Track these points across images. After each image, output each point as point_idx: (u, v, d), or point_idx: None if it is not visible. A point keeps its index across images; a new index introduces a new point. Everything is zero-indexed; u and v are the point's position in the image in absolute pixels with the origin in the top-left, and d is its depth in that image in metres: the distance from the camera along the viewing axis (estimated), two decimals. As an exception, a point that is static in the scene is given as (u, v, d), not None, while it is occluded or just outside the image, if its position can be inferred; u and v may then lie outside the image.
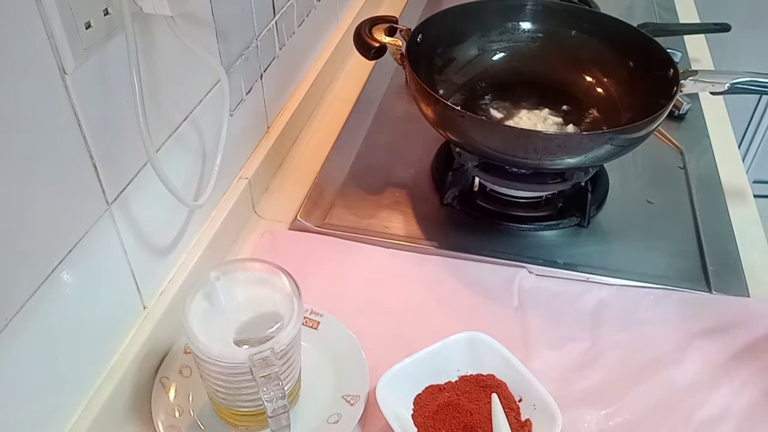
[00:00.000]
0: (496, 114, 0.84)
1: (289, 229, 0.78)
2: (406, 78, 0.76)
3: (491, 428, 0.54)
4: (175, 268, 0.66)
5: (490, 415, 0.55)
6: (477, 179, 0.79)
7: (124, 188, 0.55)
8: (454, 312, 0.68)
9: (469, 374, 0.60)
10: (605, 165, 0.83)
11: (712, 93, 0.75)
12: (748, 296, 0.70)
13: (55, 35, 0.44)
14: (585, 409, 0.60)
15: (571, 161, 0.69)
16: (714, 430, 0.59)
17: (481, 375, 0.60)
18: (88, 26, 0.46)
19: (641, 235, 0.77)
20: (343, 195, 0.82)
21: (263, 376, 0.48)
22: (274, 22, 0.81)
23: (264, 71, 0.81)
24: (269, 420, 0.50)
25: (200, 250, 0.68)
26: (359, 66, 1.05)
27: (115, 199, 0.54)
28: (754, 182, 1.91)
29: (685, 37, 1.11)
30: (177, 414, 0.57)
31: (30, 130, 0.44)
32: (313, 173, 0.86)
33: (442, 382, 0.60)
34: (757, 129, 1.87)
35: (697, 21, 1.22)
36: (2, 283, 0.43)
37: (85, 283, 0.51)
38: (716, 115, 0.96)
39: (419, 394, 0.59)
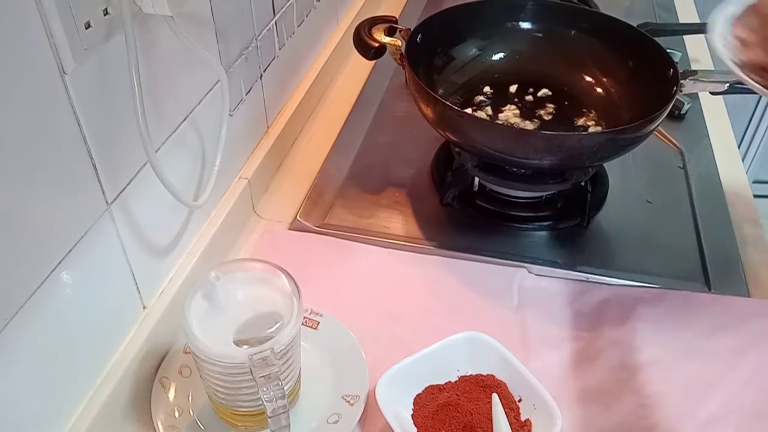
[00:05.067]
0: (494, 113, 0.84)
1: (289, 229, 0.78)
2: (406, 78, 0.76)
3: (491, 428, 0.54)
4: (174, 267, 0.66)
5: (490, 415, 0.55)
6: (477, 179, 0.79)
7: (124, 188, 0.55)
8: (454, 312, 0.68)
9: (469, 374, 0.60)
10: (605, 165, 0.83)
11: (712, 93, 0.75)
12: (748, 296, 0.70)
13: (55, 35, 0.44)
14: (585, 409, 0.60)
15: (570, 161, 0.69)
16: (714, 430, 0.59)
17: (481, 375, 0.60)
18: (87, 26, 0.46)
19: (641, 235, 0.77)
20: (342, 195, 0.82)
21: (263, 376, 0.48)
22: (273, 22, 0.81)
23: (264, 71, 0.81)
24: (269, 420, 0.50)
25: (200, 250, 0.68)
26: (359, 66, 1.05)
27: (115, 199, 0.54)
28: (754, 182, 1.91)
29: (685, 37, 1.11)
30: (177, 414, 0.57)
31: (30, 130, 0.44)
32: (312, 173, 0.86)
33: (442, 382, 0.60)
34: (757, 129, 1.87)
35: (697, 21, 1.22)
36: (2, 283, 0.43)
37: (84, 283, 0.51)
38: (716, 115, 0.96)
39: (419, 394, 0.59)
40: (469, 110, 0.83)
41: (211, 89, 0.67)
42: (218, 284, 0.52)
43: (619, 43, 0.83)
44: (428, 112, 0.73)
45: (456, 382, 0.60)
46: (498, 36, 0.88)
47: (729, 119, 0.96)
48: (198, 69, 0.64)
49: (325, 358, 0.62)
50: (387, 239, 0.76)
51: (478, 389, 0.59)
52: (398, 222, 0.79)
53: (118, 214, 0.55)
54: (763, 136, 1.88)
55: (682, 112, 0.94)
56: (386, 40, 0.78)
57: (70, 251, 0.49)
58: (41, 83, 0.44)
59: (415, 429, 0.56)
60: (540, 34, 0.88)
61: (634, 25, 0.83)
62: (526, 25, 0.88)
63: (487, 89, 0.87)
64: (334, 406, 0.58)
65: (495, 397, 0.55)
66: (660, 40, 0.78)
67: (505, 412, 0.55)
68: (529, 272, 0.72)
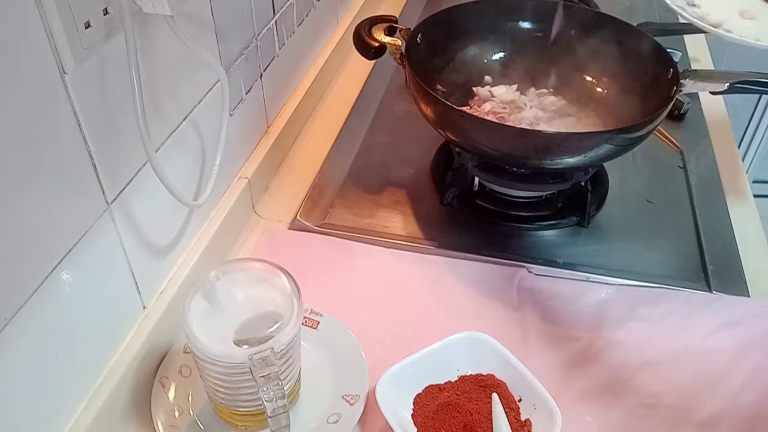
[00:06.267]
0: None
1: (289, 228, 0.78)
2: (406, 78, 0.76)
3: (491, 428, 0.54)
4: (174, 267, 0.66)
5: (490, 414, 0.55)
6: (477, 179, 0.79)
7: (124, 188, 0.55)
8: (454, 312, 0.68)
9: (469, 374, 0.60)
10: (605, 165, 0.83)
11: (712, 93, 0.75)
12: (748, 296, 0.70)
13: (55, 35, 0.44)
14: (585, 408, 0.60)
15: (571, 161, 0.69)
16: (714, 430, 0.59)
17: (481, 375, 0.60)
18: (87, 26, 0.46)
19: (641, 235, 0.77)
20: (342, 195, 0.82)
21: (263, 376, 0.48)
22: (273, 21, 0.81)
23: (264, 71, 0.81)
24: (269, 420, 0.50)
25: (200, 249, 0.68)
26: (359, 66, 1.05)
27: (115, 199, 0.54)
28: (754, 182, 1.91)
29: (685, 36, 1.11)
30: (177, 414, 0.57)
31: (29, 130, 0.44)
32: (312, 173, 0.86)
33: (442, 382, 0.60)
34: (756, 129, 1.87)
35: (697, 20, 1.21)
36: (2, 283, 0.43)
37: (84, 282, 0.51)
38: (716, 115, 0.96)
39: (419, 393, 0.59)
40: (466, 108, 0.83)
41: (211, 89, 0.67)
42: (218, 284, 0.52)
43: (619, 44, 0.83)
44: (428, 112, 0.73)
45: (456, 382, 0.60)
46: (498, 36, 0.88)
47: (729, 119, 0.96)
48: (198, 69, 0.64)
49: (325, 358, 0.62)
50: (387, 239, 0.76)
51: (478, 389, 0.59)
52: (398, 222, 0.79)
53: (118, 214, 0.55)
54: (763, 136, 1.88)
55: (682, 112, 0.94)
56: (386, 39, 0.78)
57: (70, 251, 0.49)
58: (41, 83, 0.44)
59: (415, 429, 0.56)
60: (540, 34, 0.88)
61: (634, 24, 0.83)
62: (526, 25, 0.88)
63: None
64: (334, 406, 0.58)
65: (495, 396, 0.55)
66: (660, 40, 0.78)
67: (505, 412, 0.55)
68: (529, 272, 0.72)
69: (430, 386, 0.59)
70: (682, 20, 0.67)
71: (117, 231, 0.55)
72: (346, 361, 0.62)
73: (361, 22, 0.81)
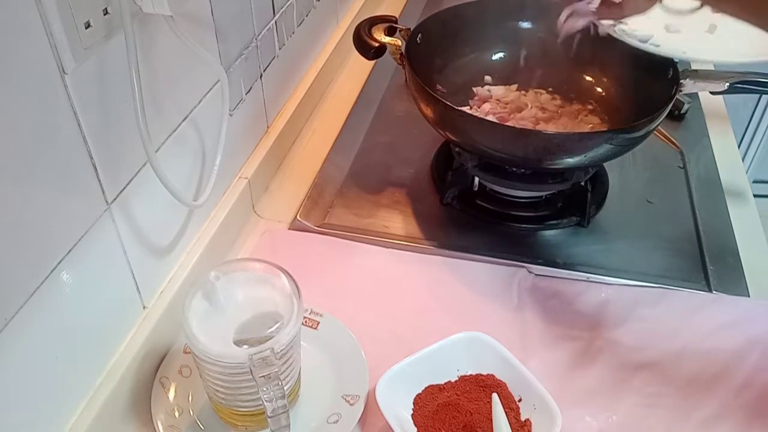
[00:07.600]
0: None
1: (289, 228, 0.78)
2: (406, 78, 0.76)
3: (491, 428, 0.54)
4: (174, 267, 0.66)
5: (490, 414, 0.55)
6: (477, 179, 0.79)
7: (124, 188, 0.55)
8: (454, 312, 0.68)
9: (468, 374, 0.60)
10: (605, 165, 0.83)
11: (712, 93, 0.75)
12: (748, 296, 0.70)
13: (55, 35, 0.44)
14: (585, 408, 0.60)
15: (571, 161, 0.69)
16: (713, 430, 0.59)
17: (481, 375, 0.60)
18: (87, 26, 0.46)
19: (641, 234, 0.77)
20: (342, 195, 0.82)
21: (263, 376, 0.48)
22: (273, 21, 0.81)
23: (264, 71, 0.81)
24: (269, 420, 0.50)
25: (200, 249, 0.68)
26: (359, 66, 1.05)
27: (115, 199, 0.54)
28: (754, 182, 1.91)
29: (685, 36, 1.11)
30: (177, 414, 0.57)
31: (29, 130, 0.44)
32: (312, 173, 0.86)
33: (442, 382, 0.60)
34: (757, 129, 1.87)
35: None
36: (2, 283, 0.43)
37: (84, 283, 0.51)
38: (716, 115, 0.96)
39: (419, 393, 0.59)
40: (466, 108, 0.83)
41: (211, 89, 0.67)
42: (218, 284, 0.52)
43: (618, 44, 0.82)
44: (428, 112, 0.73)
45: (456, 382, 0.60)
46: (498, 36, 0.88)
47: (729, 119, 0.96)
48: (198, 69, 0.64)
49: (325, 358, 0.62)
50: (387, 239, 0.76)
51: (478, 389, 0.59)
52: (398, 222, 0.79)
53: (118, 214, 0.55)
54: (763, 136, 1.88)
55: (682, 112, 0.94)
56: (386, 39, 0.78)
57: (70, 251, 0.49)
58: (41, 83, 0.44)
59: (415, 429, 0.56)
60: (540, 34, 0.88)
61: (634, 25, 0.83)
62: (526, 25, 0.88)
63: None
64: (334, 406, 0.58)
65: (495, 396, 0.55)
66: (660, 40, 0.78)
67: (505, 412, 0.55)
68: (529, 272, 0.72)
69: (430, 386, 0.59)
70: (616, 36, 0.70)
71: (117, 231, 0.55)
72: (346, 361, 0.62)
73: (361, 22, 0.81)
